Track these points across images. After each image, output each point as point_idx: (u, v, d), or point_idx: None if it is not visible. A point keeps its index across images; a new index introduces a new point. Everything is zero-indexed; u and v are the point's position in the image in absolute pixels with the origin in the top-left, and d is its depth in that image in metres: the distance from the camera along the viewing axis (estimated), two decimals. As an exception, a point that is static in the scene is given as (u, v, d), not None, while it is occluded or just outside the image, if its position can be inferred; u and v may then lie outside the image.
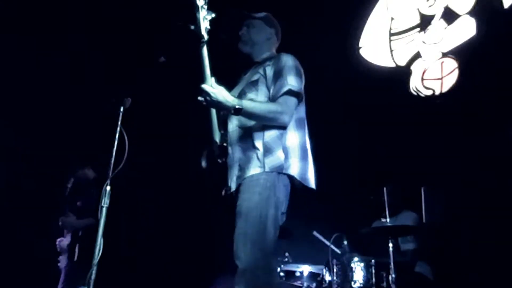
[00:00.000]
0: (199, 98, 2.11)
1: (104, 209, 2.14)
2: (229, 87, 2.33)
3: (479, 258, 3.45)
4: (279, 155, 2.13)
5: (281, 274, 3.57)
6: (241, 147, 2.20)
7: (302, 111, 2.32)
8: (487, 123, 3.78)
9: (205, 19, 2.17)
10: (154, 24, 4.49)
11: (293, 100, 2.21)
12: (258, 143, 2.15)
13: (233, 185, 2.15)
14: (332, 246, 3.50)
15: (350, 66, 4.84)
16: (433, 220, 3.59)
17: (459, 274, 3.52)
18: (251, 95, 2.27)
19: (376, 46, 4.92)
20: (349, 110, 4.57)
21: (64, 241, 4.09)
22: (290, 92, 2.19)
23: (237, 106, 2.08)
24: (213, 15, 2.19)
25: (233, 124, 2.26)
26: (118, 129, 2.27)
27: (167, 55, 2.43)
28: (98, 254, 2.06)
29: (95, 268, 2.04)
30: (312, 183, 2.21)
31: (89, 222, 3.98)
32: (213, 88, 2.08)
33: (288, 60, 2.29)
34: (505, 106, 3.68)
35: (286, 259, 3.70)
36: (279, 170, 2.10)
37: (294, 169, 2.14)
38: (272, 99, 2.22)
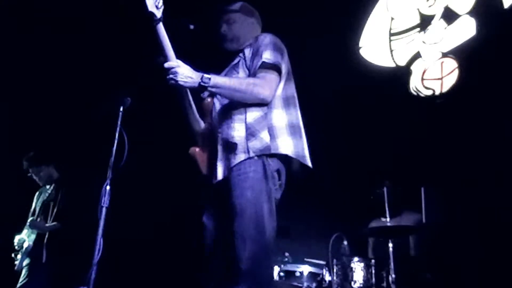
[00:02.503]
0: (167, 77, 2.03)
1: (104, 209, 2.13)
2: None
3: (479, 258, 3.45)
4: (263, 136, 2.03)
5: (281, 274, 3.58)
6: (223, 133, 2.11)
7: (289, 88, 2.23)
8: (487, 123, 3.78)
9: None
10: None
11: (269, 73, 2.10)
12: (240, 126, 2.06)
13: (219, 174, 2.06)
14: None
15: (350, 66, 4.84)
16: (433, 220, 3.59)
17: (459, 274, 3.51)
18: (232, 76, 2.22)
19: (376, 46, 4.91)
20: (349, 110, 4.57)
21: (27, 243, 4.08)
22: (264, 65, 2.10)
23: (204, 76, 2.00)
24: None
25: (215, 109, 2.20)
26: (118, 129, 2.26)
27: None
28: (98, 254, 2.05)
29: (95, 268, 2.03)
30: (308, 161, 2.12)
31: (56, 227, 4.01)
32: (175, 64, 2.02)
33: (265, 38, 2.22)
34: (505, 106, 3.68)
35: (286, 259, 3.70)
36: (266, 152, 2.01)
37: (286, 148, 2.05)
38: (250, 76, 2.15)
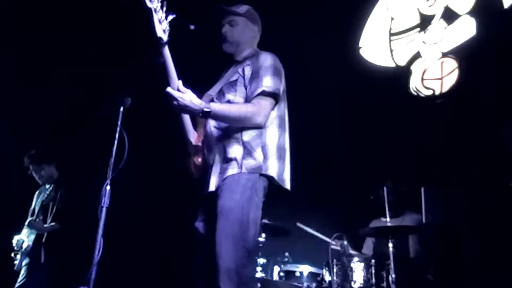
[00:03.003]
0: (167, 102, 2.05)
1: (104, 209, 2.13)
2: (208, 85, 2.31)
3: (479, 258, 3.45)
4: (257, 156, 2.10)
5: (281, 274, 3.58)
6: (219, 147, 2.16)
7: (283, 108, 2.27)
8: (487, 123, 3.78)
9: (161, 21, 2.11)
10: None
11: (267, 101, 2.16)
12: (237, 144, 2.12)
13: (211, 185, 2.11)
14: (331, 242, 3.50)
15: (350, 66, 4.84)
16: (433, 220, 3.59)
17: (459, 274, 3.52)
18: (229, 95, 2.23)
19: (376, 46, 4.91)
20: (349, 110, 4.57)
21: (26, 243, 4.08)
22: (263, 93, 2.14)
23: (204, 109, 2.03)
24: (173, 16, 2.14)
25: (210, 123, 2.22)
26: (118, 129, 2.26)
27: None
28: (98, 254, 2.05)
29: (95, 268, 2.03)
30: (288, 184, 2.19)
31: (55, 227, 4.01)
32: (179, 92, 2.03)
33: (266, 60, 2.24)
34: (505, 106, 3.68)
35: (286, 259, 3.70)
36: (257, 171, 2.08)
37: (272, 170, 2.12)
38: (247, 100, 2.18)
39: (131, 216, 4.67)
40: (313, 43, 4.62)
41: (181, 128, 2.31)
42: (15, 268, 4.08)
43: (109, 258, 2.17)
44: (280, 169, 2.14)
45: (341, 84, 4.55)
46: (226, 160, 2.11)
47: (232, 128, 2.15)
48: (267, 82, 2.16)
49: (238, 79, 2.25)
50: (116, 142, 2.23)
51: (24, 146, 4.53)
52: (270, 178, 2.12)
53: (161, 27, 2.11)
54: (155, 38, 2.09)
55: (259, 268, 3.54)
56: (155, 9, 2.09)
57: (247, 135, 2.13)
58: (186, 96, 2.02)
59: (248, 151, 2.10)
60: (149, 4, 2.07)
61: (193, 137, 2.29)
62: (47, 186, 4.26)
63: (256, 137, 2.13)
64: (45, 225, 4.02)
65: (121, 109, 2.33)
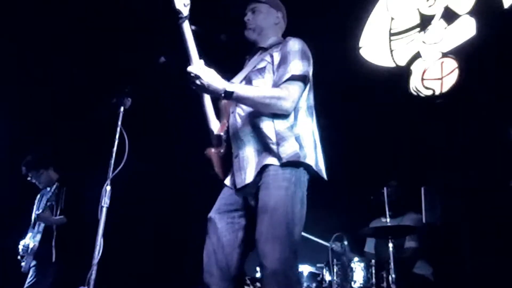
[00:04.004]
0: (188, 82, 1.95)
1: (104, 209, 2.13)
2: (232, 73, 2.22)
3: (478, 258, 3.45)
4: (292, 144, 1.98)
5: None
6: (249, 137, 2.05)
7: (311, 98, 2.21)
8: (487, 123, 3.78)
9: None
10: (154, 24, 4.49)
11: (296, 85, 2.05)
12: (270, 133, 2.00)
13: (248, 178, 2.00)
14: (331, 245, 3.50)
15: (350, 66, 4.84)
16: (433, 220, 3.59)
17: (459, 274, 3.52)
18: (257, 81, 2.13)
19: (376, 46, 4.91)
20: (349, 110, 4.57)
21: (32, 244, 4.07)
22: (292, 78, 2.04)
23: (227, 89, 1.93)
24: None
25: (236, 112, 2.11)
26: (118, 129, 2.26)
27: (167, 55, 2.41)
28: (98, 254, 2.05)
29: (95, 268, 2.03)
30: (324, 173, 2.10)
31: (62, 221, 4.00)
32: (200, 69, 1.92)
33: (294, 45, 2.15)
34: (505, 106, 3.68)
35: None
36: (296, 159, 1.96)
37: (310, 159, 2.01)
38: (275, 85, 2.06)
39: (131, 216, 4.68)
40: (313, 43, 4.61)
41: (203, 116, 2.22)
42: (22, 270, 4.06)
43: (109, 258, 2.17)
44: (316, 158, 2.05)
45: (341, 84, 4.56)
46: (261, 150, 2.01)
47: (263, 117, 2.04)
48: (296, 66, 2.07)
49: (267, 66, 2.15)
50: (116, 142, 2.23)
51: (24, 148, 4.53)
52: (308, 167, 2.02)
53: (181, 0, 2.00)
54: (173, 11, 1.98)
55: (258, 268, 3.54)
56: None
57: (280, 124, 2.02)
58: (208, 74, 1.92)
59: (283, 139, 1.98)
60: None
61: (216, 127, 2.20)
62: (48, 189, 4.25)
63: (290, 127, 2.03)
64: (54, 217, 4.00)
65: (121, 109, 2.33)
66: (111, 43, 4.96)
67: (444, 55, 4.35)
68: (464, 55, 4.20)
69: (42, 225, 4.09)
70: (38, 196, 4.34)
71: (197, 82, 1.92)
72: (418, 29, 4.63)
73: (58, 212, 4.03)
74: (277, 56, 2.15)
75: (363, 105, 4.50)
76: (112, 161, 2.19)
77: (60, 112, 5.10)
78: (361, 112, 4.52)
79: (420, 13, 4.67)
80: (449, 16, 4.38)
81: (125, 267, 4.59)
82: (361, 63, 4.92)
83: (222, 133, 2.14)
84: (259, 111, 2.04)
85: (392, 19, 4.90)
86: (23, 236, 4.19)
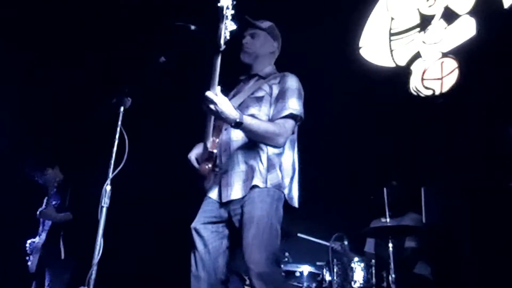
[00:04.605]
0: (203, 104, 2.07)
1: (104, 209, 2.13)
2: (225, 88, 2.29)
3: (479, 258, 3.45)
4: (278, 173, 2.18)
5: (281, 274, 3.57)
6: (241, 157, 2.21)
7: (295, 131, 2.35)
8: (487, 123, 3.78)
9: (226, 29, 2.10)
10: (153, 24, 4.49)
11: (291, 123, 2.23)
12: (263, 157, 2.19)
13: (234, 194, 2.16)
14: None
15: (350, 66, 4.84)
16: (433, 220, 3.59)
17: (459, 274, 3.52)
18: (253, 109, 2.27)
19: (376, 46, 4.92)
20: (348, 110, 4.57)
21: (37, 242, 4.06)
22: (290, 115, 2.22)
23: (238, 120, 2.07)
24: (235, 26, 2.12)
25: (234, 133, 2.25)
26: (118, 129, 2.26)
27: (167, 55, 2.41)
28: (98, 254, 2.05)
29: (95, 268, 2.03)
30: (296, 202, 2.26)
31: (68, 217, 3.98)
32: (217, 97, 2.05)
33: (293, 83, 2.31)
34: (505, 106, 3.68)
35: (286, 259, 3.70)
36: (278, 188, 2.16)
37: (286, 189, 2.21)
38: (272, 118, 2.24)
39: (131, 216, 4.68)
40: (313, 43, 4.62)
41: (205, 130, 2.32)
42: (29, 269, 4.05)
43: (109, 258, 2.17)
44: (289, 188, 2.23)
45: (341, 84, 4.56)
46: (249, 171, 2.17)
47: (257, 142, 2.21)
48: (294, 105, 2.24)
49: (265, 96, 2.30)
50: (116, 142, 2.23)
51: (24, 148, 4.53)
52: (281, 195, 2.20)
53: (225, 35, 2.10)
54: (216, 45, 2.07)
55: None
56: (227, 16, 2.07)
57: (271, 151, 2.21)
58: (224, 103, 2.05)
59: (272, 166, 2.19)
60: (224, 12, 2.05)
61: (209, 142, 2.31)
62: (55, 190, 4.23)
63: (279, 155, 2.22)
64: (58, 214, 3.98)
65: (121, 109, 2.33)
66: (111, 43, 4.96)
67: (444, 55, 4.35)
68: (464, 55, 4.20)
69: (49, 223, 4.07)
70: (46, 198, 4.30)
71: (212, 107, 2.05)
72: (418, 29, 4.63)
73: (63, 211, 4.01)
74: (275, 89, 2.31)
75: (363, 105, 4.50)
76: (112, 161, 2.19)
77: (60, 112, 5.10)
78: (361, 112, 4.52)
79: (420, 13, 4.67)
80: (449, 16, 4.38)
81: (125, 267, 4.59)
82: (361, 63, 4.92)
83: (213, 150, 2.26)
84: (255, 140, 2.21)
85: (392, 19, 4.90)
86: (30, 236, 4.18)
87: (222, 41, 2.07)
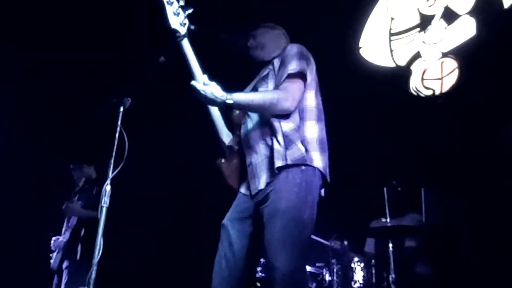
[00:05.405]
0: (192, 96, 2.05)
1: (104, 209, 2.13)
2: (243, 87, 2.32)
3: (479, 258, 3.45)
4: (299, 147, 2.07)
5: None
6: (259, 144, 2.15)
7: (315, 100, 2.25)
8: (487, 123, 3.78)
9: (176, 14, 2.11)
10: (154, 24, 4.49)
11: (295, 84, 2.14)
12: (279, 136, 2.09)
13: (261, 183, 2.09)
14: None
15: (350, 66, 4.84)
16: (433, 220, 3.59)
17: (459, 274, 3.52)
18: (261, 89, 2.23)
19: (376, 46, 4.92)
20: (349, 110, 4.57)
21: (60, 240, 4.05)
22: (289, 76, 2.13)
23: (227, 101, 2.02)
24: (190, 10, 2.13)
25: (248, 124, 2.22)
26: (118, 129, 2.26)
27: (167, 55, 2.41)
28: (98, 254, 2.05)
29: (95, 268, 2.03)
30: (328, 177, 2.16)
31: (93, 215, 3.96)
32: (204, 85, 2.01)
33: (292, 48, 2.25)
34: (505, 106, 3.68)
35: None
36: (302, 162, 2.04)
37: (317, 162, 2.09)
38: (276, 88, 2.17)
39: (131, 216, 4.68)
40: (313, 43, 4.61)
41: (213, 127, 2.31)
42: (51, 266, 4.02)
43: (109, 258, 2.18)
44: (324, 161, 2.12)
45: (341, 84, 4.55)
46: (271, 155, 2.08)
47: (270, 121, 2.12)
48: (292, 65, 2.16)
49: (269, 72, 2.26)
50: (116, 142, 2.23)
51: (24, 148, 4.54)
52: (315, 170, 2.08)
53: (178, 19, 2.11)
54: (170, 30, 2.08)
55: (259, 268, 3.54)
56: (168, 1, 2.09)
57: (286, 127, 2.10)
58: (208, 88, 2.00)
59: (291, 142, 2.07)
60: None
61: (227, 138, 2.29)
62: (87, 187, 4.20)
63: (295, 129, 2.11)
64: (83, 209, 3.96)
65: (121, 109, 2.33)
66: (111, 42, 4.96)
67: (444, 55, 4.35)
68: (464, 55, 4.20)
69: (74, 222, 4.04)
70: (77, 195, 4.26)
71: (199, 96, 2.01)
72: (418, 29, 4.63)
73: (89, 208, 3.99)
74: (277, 62, 2.26)
75: (363, 105, 4.49)
76: (112, 161, 2.19)
77: (60, 112, 5.10)
78: (361, 112, 4.51)
79: (420, 13, 4.67)
80: (449, 16, 4.38)
81: (125, 267, 4.59)
82: (361, 63, 4.92)
83: (235, 145, 2.24)
84: (264, 114, 2.14)
85: (392, 19, 4.90)
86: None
87: (173, 26, 2.08)
